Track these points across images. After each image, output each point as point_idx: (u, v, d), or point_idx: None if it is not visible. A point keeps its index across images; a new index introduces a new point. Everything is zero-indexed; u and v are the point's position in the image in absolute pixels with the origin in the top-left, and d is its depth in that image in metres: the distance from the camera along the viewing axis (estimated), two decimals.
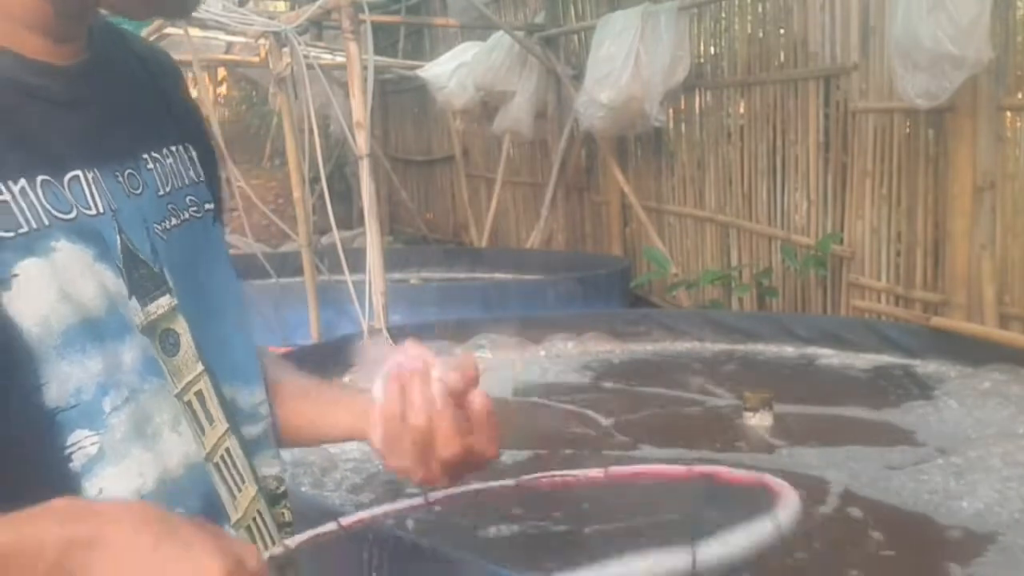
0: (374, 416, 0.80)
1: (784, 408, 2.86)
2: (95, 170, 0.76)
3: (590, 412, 2.94)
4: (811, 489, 2.32)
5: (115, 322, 0.74)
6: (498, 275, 6.06)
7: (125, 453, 0.73)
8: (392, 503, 0.78)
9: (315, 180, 4.73)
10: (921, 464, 2.40)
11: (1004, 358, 3.03)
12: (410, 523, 2.08)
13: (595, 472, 0.79)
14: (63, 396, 0.70)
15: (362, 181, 4.07)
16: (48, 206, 0.72)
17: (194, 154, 0.89)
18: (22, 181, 0.71)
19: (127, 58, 0.87)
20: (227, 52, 7.43)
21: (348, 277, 3.92)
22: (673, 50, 4.83)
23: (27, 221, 0.70)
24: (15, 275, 0.68)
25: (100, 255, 0.74)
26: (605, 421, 2.88)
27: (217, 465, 0.82)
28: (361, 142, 4.05)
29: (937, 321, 3.39)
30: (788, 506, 0.75)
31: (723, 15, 5.25)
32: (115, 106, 0.82)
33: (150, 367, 0.76)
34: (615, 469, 0.78)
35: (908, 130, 3.90)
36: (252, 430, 0.90)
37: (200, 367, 0.83)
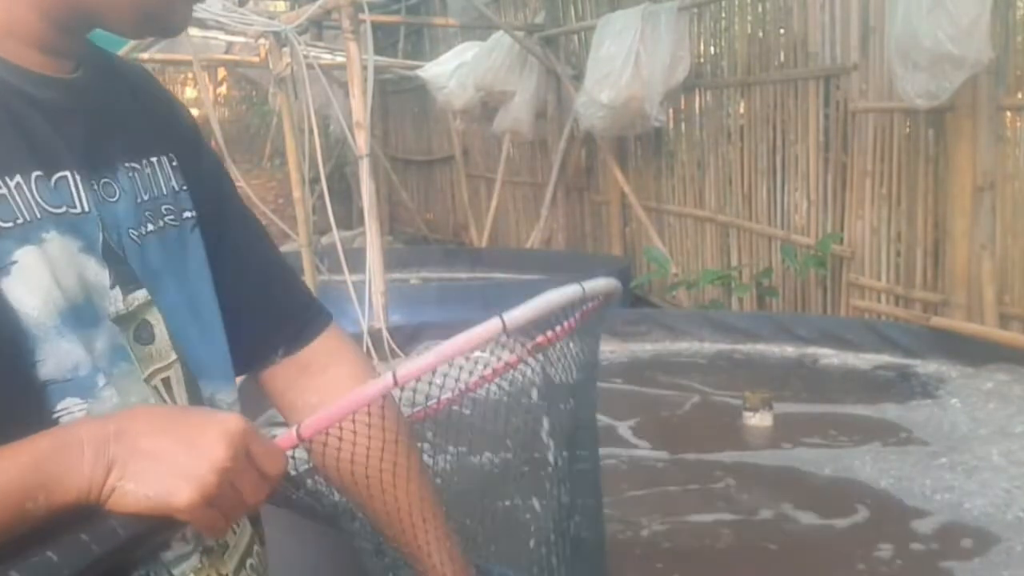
0: None
1: (784, 408, 2.86)
2: (79, 175, 0.83)
3: None
4: (811, 488, 2.32)
5: (91, 311, 0.82)
6: (498, 275, 6.06)
7: None
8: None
9: (315, 180, 4.73)
10: (921, 464, 2.40)
11: (1004, 358, 3.03)
12: None
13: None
14: (60, 371, 0.78)
15: (362, 181, 4.07)
16: (40, 200, 0.79)
17: (176, 164, 0.95)
18: (18, 177, 0.78)
19: (112, 76, 0.95)
20: (227, 52, 7.42)
21: (348, 277, 3.92)
22: (673, 50, 4.83)
23: (23, 213, 0.77)
24: (14, 262, 0.76)
25: (84, 248, 0.82)
26: (605, 421, 2.87)
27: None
28: (361, 142, 4.05)
29: (937, 321, 3.39)
30: (597, 282, 0.88)
31: (723, 15, 5.25)
32: (101, 119, 0.89)
33: (119, 353, 0.84)
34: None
35: (908, 130, 3.90)
36: None
37: (173, 356, 0.90)
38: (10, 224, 0.76)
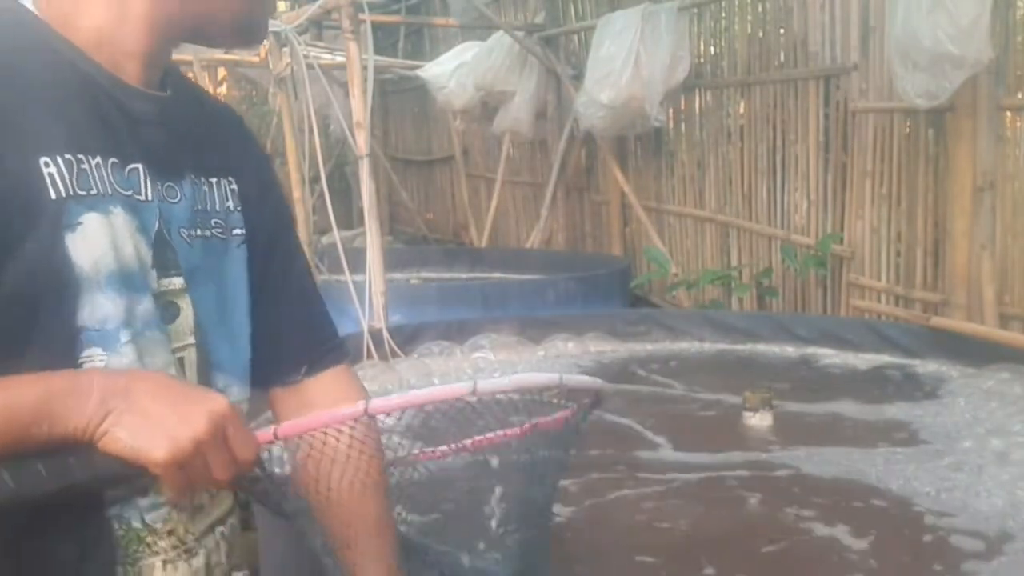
0: None
1: (784, 408, 2.86)
2: (150, 172, 0.99)
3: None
4: (813, 488, 2.32)
5: (141, 280, 0.96)
6: (498, 275, 6.06)
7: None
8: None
9: (315, 180, 4.73)
10: (925, 463, 2.39)
11: (1004, 358, 3.03)
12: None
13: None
14: (93, 320, 0.92)
15: (362, 181, 4.07)
16: (113, 181, 0.95)
17: (236, 187, 1.10)
18: (98, 158, 0.94)
19: (196, 104, 1.11)
20: (227, 52, 7.42)
21: (348, 277, 3.92)
22: (673, 50, 4.82)
23: (97, 186, 0.93)
24: (80, 223, 0.91)
25: (141, 228, 0.97)
26: (605, 420, 2.87)
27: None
28: (361, 142, 4.05)
29: (937, 321, 3.39)
30: (580, 379, 0.95)
31: (723, 15, 5.25)
32: (177, 135, 1.03)
33: (155, 321, 0.98)
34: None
35: (908, 130, 3.90)
36: None
37: (191, 340, 1.03)
38: (84, 193, 0.91)
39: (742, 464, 2.47)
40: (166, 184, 1.01)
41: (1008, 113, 3.54)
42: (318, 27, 7.02)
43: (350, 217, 8.24)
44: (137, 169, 0.97)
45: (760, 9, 4.98)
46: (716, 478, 2.39)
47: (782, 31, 4.77)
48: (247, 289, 1.10)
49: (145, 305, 0.97)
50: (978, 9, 3.05)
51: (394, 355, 3.60)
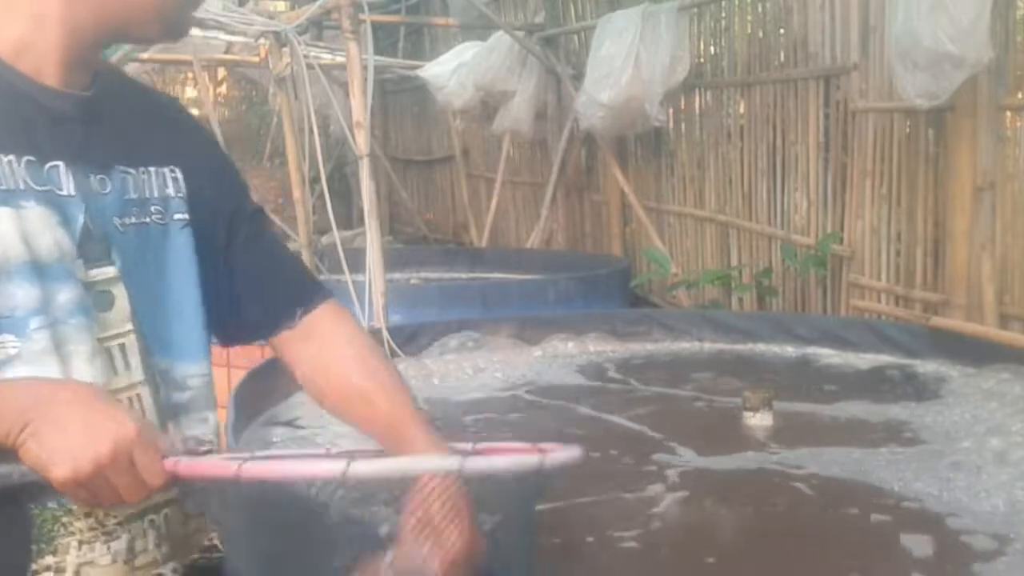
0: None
1: (784, 408, 2.86)
2: (73, 168, 1.04)
3: (590, 411, 2.95)
4: (812, 488, 2.32)
5: (61, 270, 1.02)
6: (498, 275, 6.05)
7: (39, 361, 1.00)
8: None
9: (315, 180, 4.73)
10: (926, 464, 2.39)
11: (1005, 358, 3.03)
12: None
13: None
14: (2, 308, 0.98)
15: (362, 181, 4.07)
16: (27, 177, 1.00)
17: (178, 175, 1.16)
18: (11, 156, 0.99)
19: (127, 98, 1.16)
20: (227, 52, 7.42)
21: (348, 277, 3.92)
22: (673, 50, 4.82)
23: (6, 181, 0.99)
24: None
25: (62, 221, 1.02)
26: (604, 420, 2.87)
27: (123, 402, 1.08)
28: (361, 142, 4.05)
29: (937, 321, 3.39)
30: (557, 456, 0.97)
31: (723, 15, 5.25)
32: (102, 129, 1.09)
33: (80, 310, 1.03)
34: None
35: (908, 130, 3.90)
36: (180, 396, 1.16)
37: (129, 327, 1.09)
38: None
39: (742, 464, 2.47)
40: (98, 176, 1.07)
41: (1008, 113, 3.54)
42: (318, 27, 7.02)
43: (350, 217, 8.24)
44: (58, 166, 1.03)
45: (760, 9, 4.98)
46: (716, 478, 2.39)
47: (782, 31, 4.77)
48: (195, 270, 1.16)
49: (67, 294, 1.02)
50: (978, 9, 3.05)
51: (394, 355, 3.59)
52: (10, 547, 1.03)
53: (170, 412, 1.14)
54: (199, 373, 1.18)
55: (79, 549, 1.06)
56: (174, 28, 1.11)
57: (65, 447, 0.90)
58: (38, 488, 0.97)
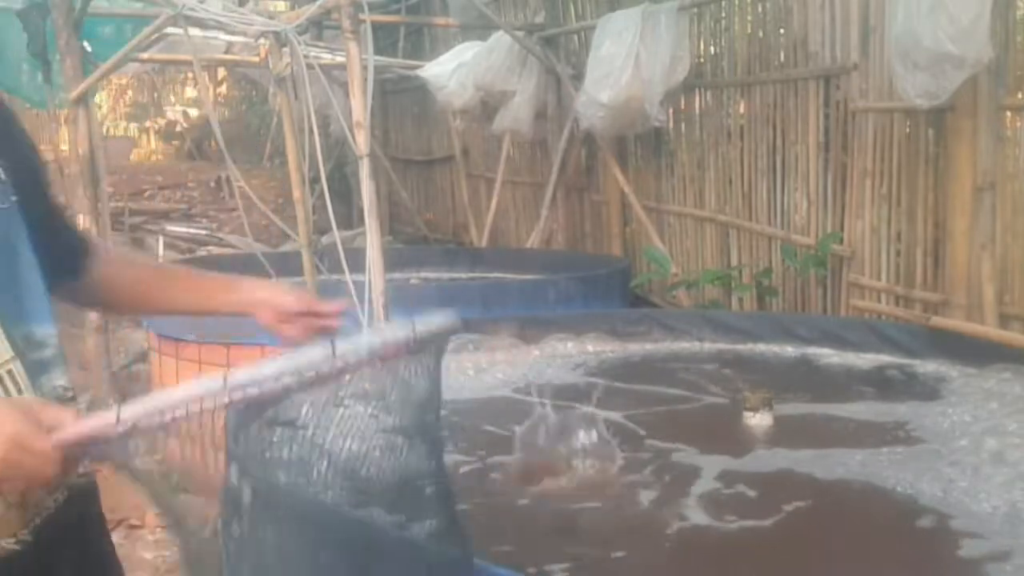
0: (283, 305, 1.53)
1: (784, 408, 2.85)
2: None
3: (590, 411, 2.94)
4: (815, 489, 2.32)
5: None
6: (498, 275, 6.05)
7: None
8: None
9: (315, 180, 4.73)
10: (928, 464, 2.39)
11: (1005, 358, 3.03)
12: None
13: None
14: None
15: (362, 181, 4.07)
16: None
17: (4, 164, 1.33)
18: None
19: None
20: (227, 52, 7.42)
21: (348, 277, 3.92)
22: (673, 50, 4.82)
23: None
24: None
25: None
26: (604, 420, 2.87)
27: (2, 378, 1.23)
28: (361, 142, 4.05)
29: (937, 321, 3.39)
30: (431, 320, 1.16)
31: (723, 15, 5.25)
32: None
33: None
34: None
35: (908, 130, 3.90)
36: (44, 353, 1.33)
37: None
38: None
39: (742, 464, 2.47)
40: None
41: (1008, 113, 3.54)
42: (318, 27, 7.03)
43: (350, 217, 8.24)
44: None
45: (760, 9, 4.98)
46: (715, 478, 2.39)
47: (782, 31, 4.77)
48: (29, 241, 1.33)
49: None
50: (978, 9, 3.05)
51: None
52: None
53: (39, 370, 1.31)
54: (53, 333, 1.35)
55: None
56: None
57: None
58: None
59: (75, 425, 1.08)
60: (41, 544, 1.27)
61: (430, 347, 1.20)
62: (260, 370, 1.11)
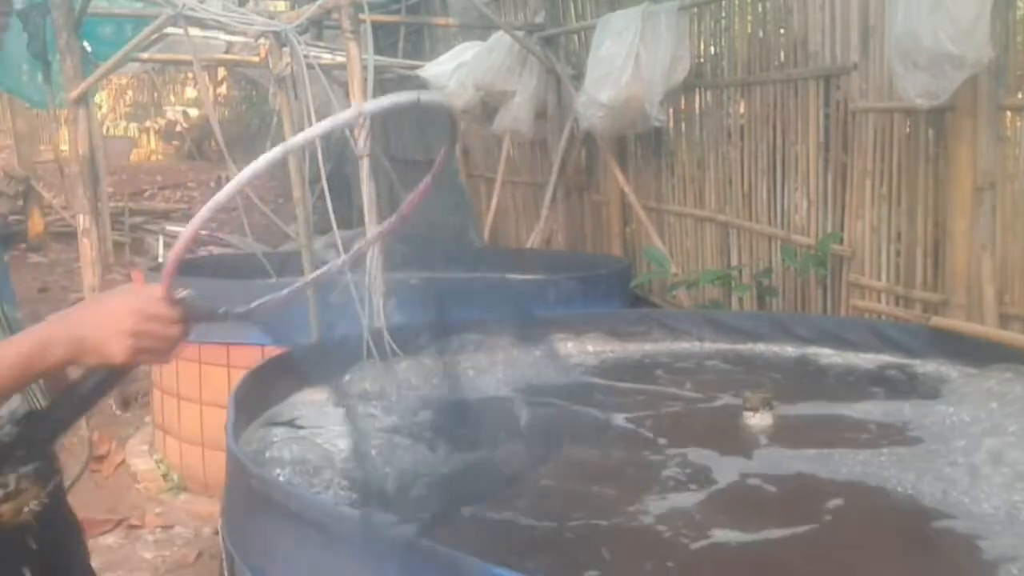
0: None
1: (784, 408, 2.86)
2: None
3: (590, 411, 2.94)
4: (813, 489, 2.32)
5: None
6: (498, 275, 6.04)
7: None
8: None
9: (315, 180, 4.73)
10: (929, 465, 2.39)
11: (1005, 358, 3.03)
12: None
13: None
14: None
15: (362, 181, 4.07)
16: None
17: None
18: None
19: None
20: (227, 52, 7.43)
21: (348, 277, 3.91)
22: (673, 50, 4.82)
23: None
24: None
25: None
26: (604, 420, 2.87)
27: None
28: (361, 142, 4.04)
29: (937, 321, 3.39)
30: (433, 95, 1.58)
31: (723, 15, 5.24)
32: None
33: None
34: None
35: (908, 130, 3.90)
36: (17, 327, 1.55)
37: None
38: None
39: (742, 464, 2.47)
40: None
41: (1008, 113, 3.54)
42: (318, 27, 7.01)
43: (350, 217, 8.24)
44: None
45: (760, 9, 4.98)
46: (715, 478, 2.39)
47: (782, 31, 4.77)
48: None
49: None
50: (978, 9, 3.05)
51: (394, 355, 3.59)
52: None
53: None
54: (15, 310, 1.59)
55: None
56: None
57: (106, 340, 1.29)
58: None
59: (167, 264, 1.35)
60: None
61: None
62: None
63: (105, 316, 1.30)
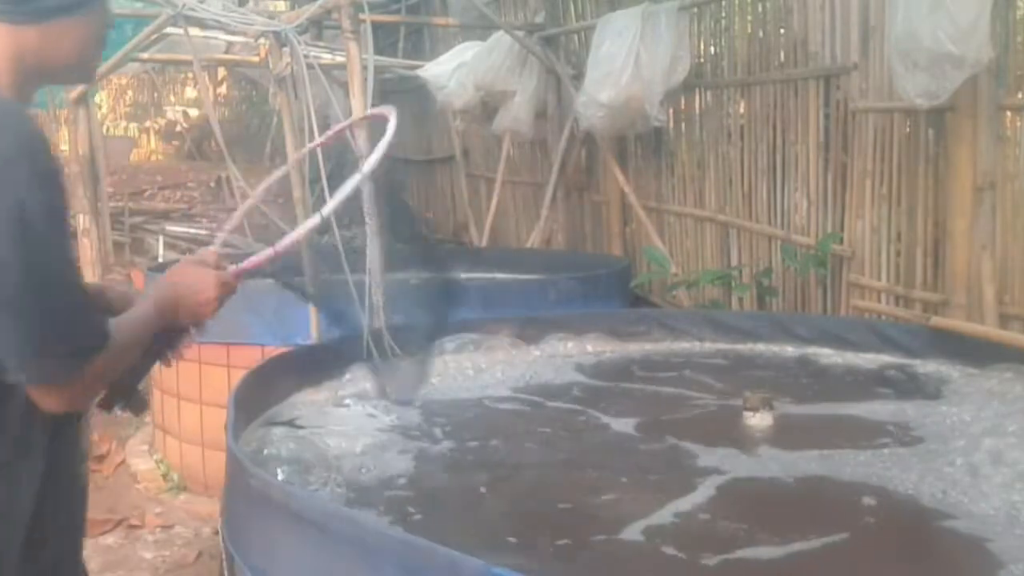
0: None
1: (784, 408, 2.86)
2: None
3: (590, 411, 2.95)
4: (813, 489, 2.32)
5: None
6: (498, 275, 6.05)
7: None
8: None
9: (315, 180, 4.72)
10: (930, 465, 2.39)
11: (1005, 358, 3.03)
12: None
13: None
14: None
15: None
16: None
17: None
18: None
19: None
20: (227, 52, 7.43)
21: (348, 277, 3.91)
22: (673, 50, 4.82)
23: None
24: None
25: None
26: (604, 420, 2.88)
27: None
28: (361, 142, 4.04)
29: (937, 321, 3.39)
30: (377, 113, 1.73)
31: (723, 15, 5.25)
32: None
33: None
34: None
35: (908, 130, 3.90)
36: None
37: None
38: None
39: (742, 464, 2.47)
40: None
41: (1008, 113, 3.54)
42: (318, 27, 7.02)
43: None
44: None
45: (760, 9, 4.98)
46: (715, 478, 2.39)
47: (782, 31, 4.77)
48: None
49: None
50: (978, 9, 3.05)
51: (394, 355, 3.59)
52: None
53: None
54: None
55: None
56: (90, 74, 1.69)
57: (198, 304, 1.69)
58: None
59: (246, 263, 1.77)
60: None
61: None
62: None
63: (200, 284, 1.68)
